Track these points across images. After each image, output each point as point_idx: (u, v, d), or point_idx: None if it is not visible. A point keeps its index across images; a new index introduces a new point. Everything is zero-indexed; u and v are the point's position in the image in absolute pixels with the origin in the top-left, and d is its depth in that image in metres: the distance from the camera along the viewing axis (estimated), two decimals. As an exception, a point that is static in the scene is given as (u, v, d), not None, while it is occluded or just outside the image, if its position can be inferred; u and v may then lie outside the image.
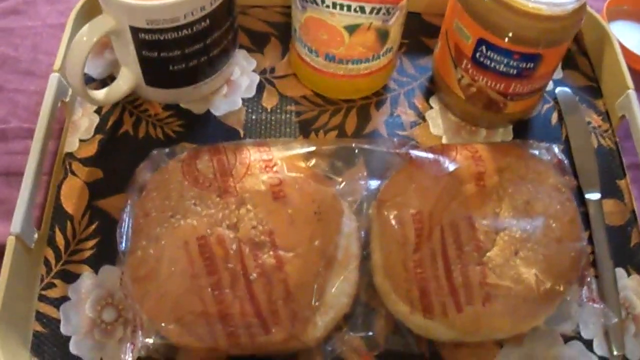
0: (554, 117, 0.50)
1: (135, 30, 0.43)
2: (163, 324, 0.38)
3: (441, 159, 0.41)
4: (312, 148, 0.41)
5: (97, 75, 0.50)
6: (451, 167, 0.41)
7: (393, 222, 0.40)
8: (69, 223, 0.45)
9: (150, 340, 0.39)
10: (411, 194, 0.40)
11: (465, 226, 0.40)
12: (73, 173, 0.46)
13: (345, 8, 0.42)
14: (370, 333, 0.41)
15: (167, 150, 0.43)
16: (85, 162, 0.47)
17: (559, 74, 0.53)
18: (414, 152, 0.41)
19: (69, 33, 0.49)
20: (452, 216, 0.40)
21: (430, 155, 0.41)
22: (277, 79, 0.51)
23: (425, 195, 0.40)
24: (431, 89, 0.50)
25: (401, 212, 0.40)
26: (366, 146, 0.42)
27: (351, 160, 0.43)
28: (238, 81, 0.50)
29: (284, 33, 0.53)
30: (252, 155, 0.41)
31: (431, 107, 0.49)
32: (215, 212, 0.39)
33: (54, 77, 0.47)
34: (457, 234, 0.40)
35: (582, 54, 0.54)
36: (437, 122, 0.48)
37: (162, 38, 0.43)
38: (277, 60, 0.52)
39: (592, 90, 0.52)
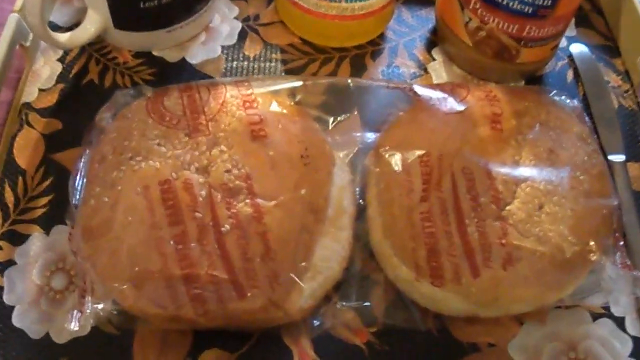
0: (570, 75, 0.42)
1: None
2: (116, 285, 0.29)
3: (450, 97, 0.33)
4: (299, 83, 0.33)
5: (63, 23, 0.42)
6: (462, 106, 0.32)
7: (395, 165, 0.31)
8: (20, 178, 0.36)
9: (100, 306, 0.30)
10: (415, 136, 0.32)
11: (480, 174, 0.31)
12: (29, 124, 0.38)
13: None
14: (367, 304, 0.32)
15: (132, 90, 0.34)
16: (43, 112, 0.38)
17: (572, 31, 0.44)
18: (419, 88, 0.33)
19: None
20: (464, 162, 0.31)
21: (439, 94, 0.33)
22: (262, 26, 0.42)
23: (432, 136, 0.31)
24: (433, 41, 0.42)
25: (404, 154, 0.31)
26: (364, 81, 0.33)
27: (344, 108, 0.35)
28: (218, 28, 0.42)
29: None
30: (229, 91, 0.33)
31: (434, 59, 0.41)
32: (183, 153, 0.30)
33: (12, 17, 0.39)
34: (471, 182, 0.31)
35: (596, 12, 0.46)
36: (440, 75, 0.40)
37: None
38: (262, 8, 0.43)
39: (609, 49, 0.44)
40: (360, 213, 0.33)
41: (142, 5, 0.37)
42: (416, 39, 0.42)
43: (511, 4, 0.35)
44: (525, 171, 0.32)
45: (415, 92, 0.32)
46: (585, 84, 0.42)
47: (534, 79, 0.41)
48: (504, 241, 0.30)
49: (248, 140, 0.31)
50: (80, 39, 0.38)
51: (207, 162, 0.30)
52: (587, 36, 0.45)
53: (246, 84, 0.33)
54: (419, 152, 0.30)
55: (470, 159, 0.31)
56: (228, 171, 0.30)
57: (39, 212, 0.35)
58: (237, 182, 0.30)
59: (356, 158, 0.34)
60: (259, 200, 0.29)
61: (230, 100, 0.32)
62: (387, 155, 0.31)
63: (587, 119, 0.37)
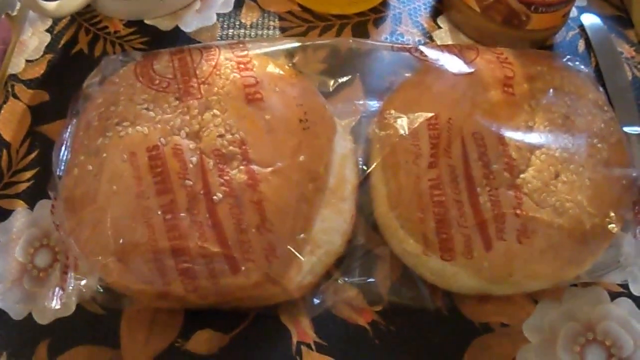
0: (581, 45, 0.39)
1: None
2: (99, 259, 0.26)
3: (459, 59, 0.30)
4: (298, 44, 0.30)
5: (52, -6, 0.39)
6: (472, 68, 0.29)
7: (401, 129, 0.27)
8: (4, 151, 0.33)
9: (83, 282, 0.27)
10: (423, 99, 0.28)
11: (492, 139, 0.28)
12: (15, 96, 0.35)
13: None
14: (371, 280, 0.29)
15: (121, 56, 0.31)
16: (30, 84, 0.35)
17: (582, 0, 0.41)
18: (425, 49, 0.30)
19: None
20: (475, 126, 0.28)
21: (446, 55, 0.30)
22: None
23: (440, 99, 0.28)
24: (439, 9, 0.39)
25: (411, 117, 0.28)
26: (368, 42, 0.30)
27: (345, 72, 0.32)
28: (214, -4, 0.39)
29: None
30: (223, 53, 0.29)
31: (439, 27, 0.38)
32: (173, 118, 0.27)
33: (-4, -15, 0.36)
34: (482, 148, 0.27)
35: (607, -18, 0.43)
36: (446, 42, 0.37)
37: None
38: None
39: (621, 20, 0.41)
40: (363, 183, 0.29)
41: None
42: (420, 7, 0.39)
43: (522, -35, 0.32)
44: (539, 137, 0.28)
45: (421, 53, 0.29)
46: (598, 54, 0.38)
47: (544, 48, 0.38)
48: (518, 211, 0.27)
49: (243, 104, 0.28)
50: (69, 6, 0.35)
51: (198, 127, 0.27)
52: (599, 7, 0.41)
53: (241, 45, 0.30)
54: (426, 115, 0.27)
55: (481, 123, 0.28)
56: (221, 136, 0.27)
57: (23, 186, 0.32)
58: (230, 147, 0.27)
59: (358, 127, 0.31)
60: (254, 167, 0.26)
61: (224, 62, 0.29)
62: (392, 119, 0.28)
63: (601, 89, 0.34)
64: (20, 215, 0.31)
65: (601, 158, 0.29)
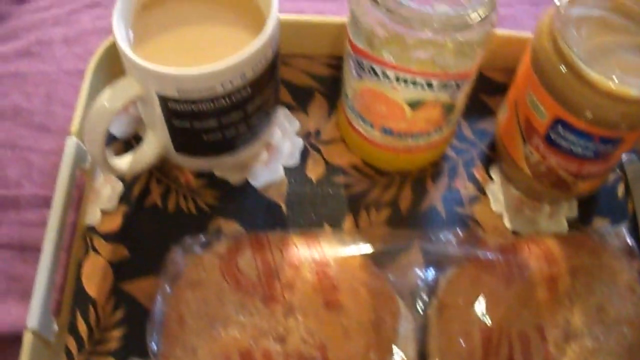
0: (620, 189, 0.42)
1: (164, 99, 0.34)
2: None
3: (511, 259, 0.33)
4: (368, 250, 0.33)
5: (120, 134, 0.42)
6: (523, 271, 0.33)
7: (459, 337, 0.32)
8: (91, 308, 0.37)
9: None
10: (479, 302, 0.33)
11: (535, 337, 0.33)
12: (95, 250, 0.38)
13: (410, 83, 0.33)
14: None
15: (202, 239, 0.35)
16: (108, 238, 0.38)
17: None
18: (482, 253, 0.33)
19: (88, 88, 0.40)
20: (522, 326, 0.33)
21: (500, 257, 0.33)
22: (323, 144, 0.42)
23: (495, 303, 0.33)
24: (492, 157, 0.42)
25: (468, 325, 0.32)
26: (428, 246, 0.34)
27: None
28: (279, 145, 0.41)
29: (330, 88, 0.44)
30: (301, 252, 0.33)
31: (492, 179, 0.41)
32: (260, 322, 0.32)
33: (71, 142, 0.38)
34: (526, 345, 0.32)
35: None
36: (498, 197, 0.40)
37: (195, 109, 0.34)
38: (322, 122, 0.43)
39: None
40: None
41: (204, 138, 0.36)
42: (475, 157, 0.42)
43: (574, 148, 0.35)
44: (575, 330, 0.33)
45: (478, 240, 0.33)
46: (635, 199, 0.41)
47: (587, 198, 0.41)
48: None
49: (322, 310, 0.32)
50: (140, 165, 0.38)
51: (283, 331, 0.31)
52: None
53: (316, 244, 0.33)
54: (481, 326, 0.32)
55: (527, 322, 0.33)
56: (304, 341, 0.31)
57: (114, 344, 0.36)
58: (312, 351, 0.31)
59: (416, 296, 0.35)
60: (334, 371, 0.31)
61: (303, 263, 0.33)
62: (450, 324, 0.33)
63: (634, 246, 0.37)
64: (113, 374, 0.35)
65: (626, 344, 0.34)
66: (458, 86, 0.34)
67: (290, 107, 0.43)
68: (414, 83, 0.33)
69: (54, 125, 0.43)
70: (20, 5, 0.48)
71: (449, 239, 0.35)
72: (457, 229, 0.38)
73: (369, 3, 0.31)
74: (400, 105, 0.35)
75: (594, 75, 0.32)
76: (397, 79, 0.33)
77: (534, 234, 0.38)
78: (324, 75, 0.45)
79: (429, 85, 0.33)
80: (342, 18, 0.43)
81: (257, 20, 0.37)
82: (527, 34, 0.41)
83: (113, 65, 0.42)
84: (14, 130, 0.42)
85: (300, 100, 0.43)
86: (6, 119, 0.43)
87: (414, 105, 0.34)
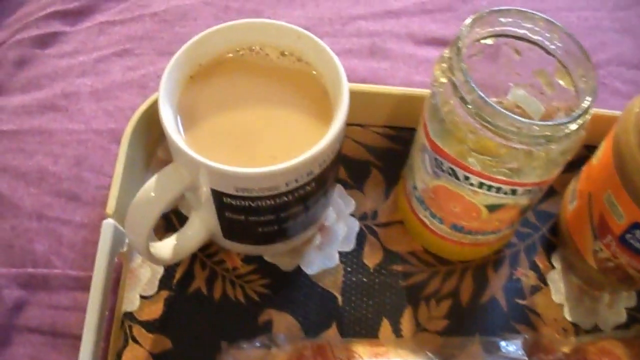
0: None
1: (218, 194, 0.31)
2: None
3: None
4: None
5: (160, 208, 0.38)
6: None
7: None
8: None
9: None
10: None
11: None
12: (135, 340, 0.35)
13: (493, 189, 0.30)
14: None
15: (257, 343, 0.32)
16: (149, 326, 0.36)
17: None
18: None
19: (124, 160, 0.36)
20: None
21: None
22: (381, 227, 0.39)
23: None
24: (553, 242, 0.40)
25: None
26: None
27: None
28: (334, 228, 0.38)
29: (387, 162, 0.41)
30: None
31: (553, 267, 0.39)
32: None
33: (108, 226, 0.35)
34: None
35: None
36: (558, 287, 0.38)
37: (253, 204, 0.31)
38: (380, 201, 0.40)
39: None
40: None
41: (260, 230, 0.33)
42: (537, 242, 0.40)
43: (649, 251, 0.33)
44: None
45: None
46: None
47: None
48: None
49: None
50: (184, 250, 0.35)
51: None
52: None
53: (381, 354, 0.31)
54: None
55: None
56: None
57: None
58: None
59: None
60: None
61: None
62: None
63: None
64: None
65: None
66: (541, 190, 0.32)
67: (344, 184, 0.40)
68: (498, 189, 0.31)
69: (84, 194, 0.39)
70: (44, 50, 0.44)
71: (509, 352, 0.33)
72: (520, 331, 0.36)
73: (459, 105, 0.29)
74: (477, 208, 0.32)
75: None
76: (481, 186, 0.31)
77: (597, 339, 0.36)
78: (378, 147, 0.42)
79: (513, 192, 0.31)
80: (401, 89, 0.40)
81: (319, 101, 0.33)
82: (608, 113, 0.39)
83: (150, 131, 0.39)
84: (40, 197, 0.39)
85: (355, 177, 0.41)
86: (31, 184, 0.39)
87: (493, 208, 0.32)
